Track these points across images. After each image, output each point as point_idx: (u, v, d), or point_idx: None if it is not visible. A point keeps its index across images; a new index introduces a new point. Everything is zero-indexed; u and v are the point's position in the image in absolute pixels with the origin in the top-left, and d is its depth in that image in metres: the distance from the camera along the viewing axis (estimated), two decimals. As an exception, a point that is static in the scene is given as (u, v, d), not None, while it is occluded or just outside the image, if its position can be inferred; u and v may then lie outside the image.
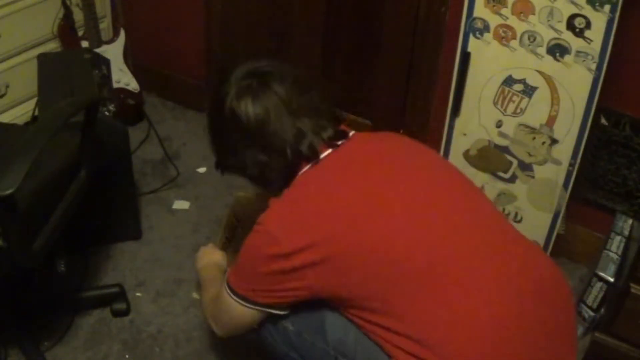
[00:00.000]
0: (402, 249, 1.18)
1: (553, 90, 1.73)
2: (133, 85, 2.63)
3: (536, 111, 1.77)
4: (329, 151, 1.29)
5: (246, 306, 1.32)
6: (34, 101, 2.26)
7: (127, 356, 1.82)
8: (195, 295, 1.99)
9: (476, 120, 1.87)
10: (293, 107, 1.29)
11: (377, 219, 1.19)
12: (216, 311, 1.44)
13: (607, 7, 1.57)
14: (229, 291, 1.34)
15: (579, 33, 1.63)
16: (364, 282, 1.20)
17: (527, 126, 1.80)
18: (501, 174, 1.90)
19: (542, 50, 1.70)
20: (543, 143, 1.80)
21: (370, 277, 1.19)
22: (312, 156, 1.29)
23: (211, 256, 1.76)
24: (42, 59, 2.14)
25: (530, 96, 1.76)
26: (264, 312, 1.32)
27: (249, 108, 1.28)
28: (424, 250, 1.19)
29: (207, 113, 1.41)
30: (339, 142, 1.30)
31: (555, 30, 1.66)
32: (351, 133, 1.35)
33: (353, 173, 1.26)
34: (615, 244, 1.92)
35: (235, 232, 2.00)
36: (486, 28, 1.74)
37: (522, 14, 1.68)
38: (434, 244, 1.19)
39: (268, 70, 1.32)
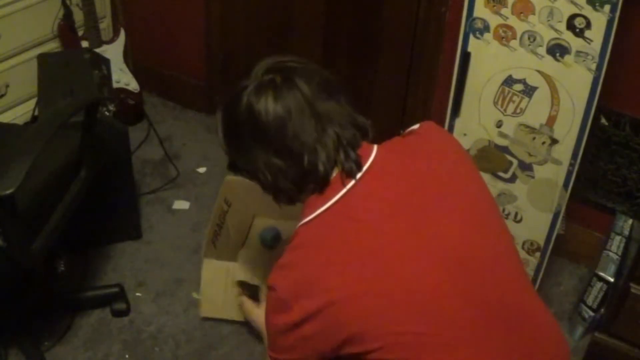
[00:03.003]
0: (395, 325, 1.10)
1: (553, 90, 1.73)
2: (133, 85, 2.63)
3: (536, 111, 1.77)
4: (340, 193, 1.16)
5: None
6: (34, 101, 2.26)
7: (127, 356, 1.82)
8: (195, 295, 1.99)
9: (476, 120, 1.87)
10: (317, 110, 1.16)
11: (378, 291, 1.10)
12: None
13: (607, 7, 1.57)
14: None
15: (579, 33, 1.63)
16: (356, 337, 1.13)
17: (527, 126, 1.80)
18: (501, 174, 1.90)
19: (542, 50, 1.69)
20: (543, 143, 1.80)
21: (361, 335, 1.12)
22: (323, 181, 1.18)
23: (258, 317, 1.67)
24: (42, 59, 2.14)
25: (530, 96, 1.76)
26: None
27: (269, 105, 1.16)
28: (419, 327, 1.10)
29: (222, 108, 1.27)
30: (353, 180, 1.17)
31: (555, 30, 1.66)
32: (371, 158, 1.20)
33: (359, 234, 1.14)
34: (615, 244, 1.92)
35: (225, 218, 2.00)
36: (486, 28, 1.74)
37: (522, 14, 1.68)
38: (434, 320, 1.11)
39: (293, 66, 1.21)
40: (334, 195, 1.17)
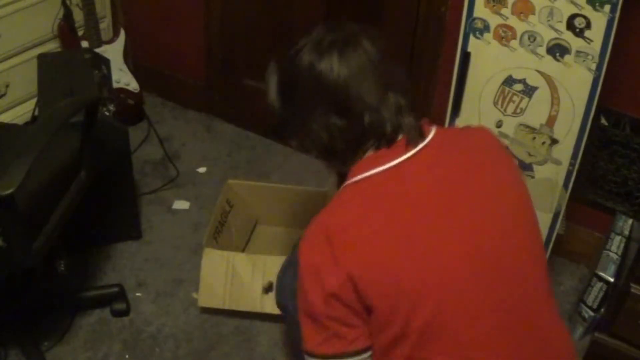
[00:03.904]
0: (423, 315, 1.09)
1: (553, 90, 1.73)
2: (133, 85, 2.63)
3: (536, 111, 1.77)
4: (400, 159, 1.15)
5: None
6: (34, 101, 2.26)
7: (127, 356, 1.82)
8: (195, 295, 1.99)
9: (476, 120, 1.86)
10: (381, 73, 1.15)
11: (411, 272, 1.09)
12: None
13: (607, 7, 1.57)
14: (312, 356, 1.19)
15: (579, 33, 1.63)
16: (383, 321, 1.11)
17: (527, 126, 1.80)
18: (501, 174, 1.90)
19: (542, 50, 1.69)
20: (543, 143, 1.80)
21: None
22: (389, 142, 1.15)
23: None
24: (42, 59, 2.14)
25: (530, 96, 1.76)
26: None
27: (333, 65, 1.13)
28: (446, 331, 1.09)
29: (277, 67, 1.24)
30: (415, 149, 1.15)
31: (555, 30, 1.66)
32: (430, 135, 1.18)
33: (405, 205, 1.12)
34: (615, 244, 1.92)
35: (227, 217, 2.01)
36: (486, 28, 1.74)
37: (522, 14, 1.68)
38: (456, 308, 1.10)
39: (356, 29, 1.18)
40: (391, 160, 1.15)
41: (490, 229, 1.15)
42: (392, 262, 1.09)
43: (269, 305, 1.89)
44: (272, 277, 1.90)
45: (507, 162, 1.27)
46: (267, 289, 1.90)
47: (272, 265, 1.89)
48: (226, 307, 1.91)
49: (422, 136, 1.17)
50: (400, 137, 1.16)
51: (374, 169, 1.15)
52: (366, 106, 1.14)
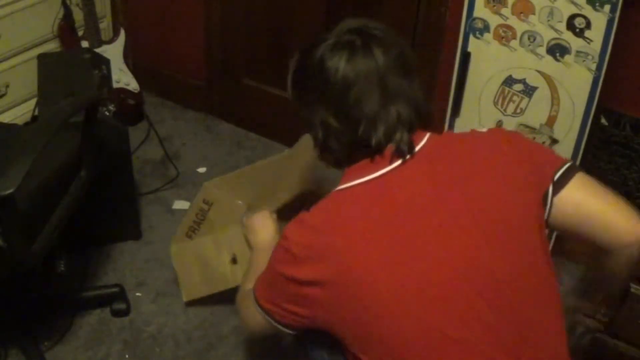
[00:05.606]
0: (399, 329, 1.10)
1: (553, 90, 1.73)
2: (133, 85, 2.63)
3: (536, 111, 1.77)
4: (383, 170, 1.15)
5: (264, 317, 1.27)
6: (34, 101, 2.26)
7: (127, 356, 1.82)
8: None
9: (476, 120, 1.87)
10: (386, 84, 1.14)
11: (393, 278, 1.09)
12: (242, 306, 1.40)
13: (607, 7, 1.57)
14: (254, 299, 1.29)
15: (579, 33, 1.63)
16: (358, 332, 1.14)
17: (527, 126, 1.80)
18: (501, 174, 1.91)
19: (542, 50, 1.70)
20: (543, 143, 1.80)
21: (365, 334, 1.13)
22: (375, 153, 1.16)
23: (268, 229, 1.62)
24: (42, 59, 2.14)
25: (530, 96, 1.76)
26: (275, 328, 1.26)
27: (340, 65, 1.14)
28: (425, 344, 1.09)
29: (298, 53, 1.26)
30: (400, 161, 1.15)
31: (555, 30, 1.66)
32: (420, 144, 1.17)
33: (390, 216, 1.13)
34: (615, 244, 1.92)
35: (205, 216, 2.00)
36: (486, 28, 1.74)
37: (522, 14, 1.68)
38: (442, 319, 1.09)
39: (376, 34, 1.19)
40: (377, 170, 1.16)
41: (469, 238, 1.12)
42: (372, 280, 1.09)
43: (239, 276, 1.85)
44: (236, 247, 1.87)
45: (509, 171, 1.19)
46: (234, 259, 1.88)
47: (233, 235, 1.86)
48: (206, 293, 1.90)
49: (411, 149, 1.16)
50: (388, 148, 1.16)
51: (358, 179, 1.17)
52: (363, 115, 1.14)
